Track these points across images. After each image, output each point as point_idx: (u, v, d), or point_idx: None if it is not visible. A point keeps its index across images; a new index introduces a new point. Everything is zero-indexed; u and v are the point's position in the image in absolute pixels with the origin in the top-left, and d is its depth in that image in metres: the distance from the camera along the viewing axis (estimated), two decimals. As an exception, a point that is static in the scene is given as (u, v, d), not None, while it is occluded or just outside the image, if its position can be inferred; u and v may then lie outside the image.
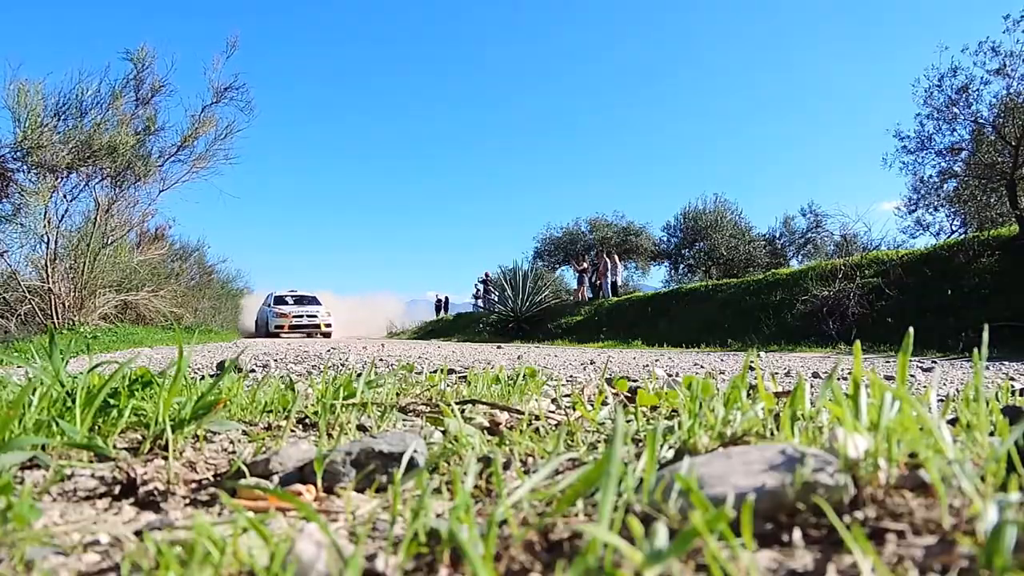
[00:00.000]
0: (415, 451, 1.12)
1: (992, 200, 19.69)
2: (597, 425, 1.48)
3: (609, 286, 26.56)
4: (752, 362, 1.25)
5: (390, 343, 18.28)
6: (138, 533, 0.86)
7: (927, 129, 20.62)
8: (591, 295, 27.06)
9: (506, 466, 1.21)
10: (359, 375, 2.35)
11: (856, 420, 0.88)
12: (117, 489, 1.06)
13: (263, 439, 1.49)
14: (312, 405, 1.84)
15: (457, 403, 1.80)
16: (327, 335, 26.02)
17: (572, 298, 27.95)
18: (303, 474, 1.14)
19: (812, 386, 1.14)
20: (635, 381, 3.94)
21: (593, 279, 27.24)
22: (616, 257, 27.91)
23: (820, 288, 16.77)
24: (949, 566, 0.60)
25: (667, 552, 0.57)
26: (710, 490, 0.75)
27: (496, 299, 27.31)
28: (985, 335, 1.04)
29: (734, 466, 0.80)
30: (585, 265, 28.04)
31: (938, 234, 22.63)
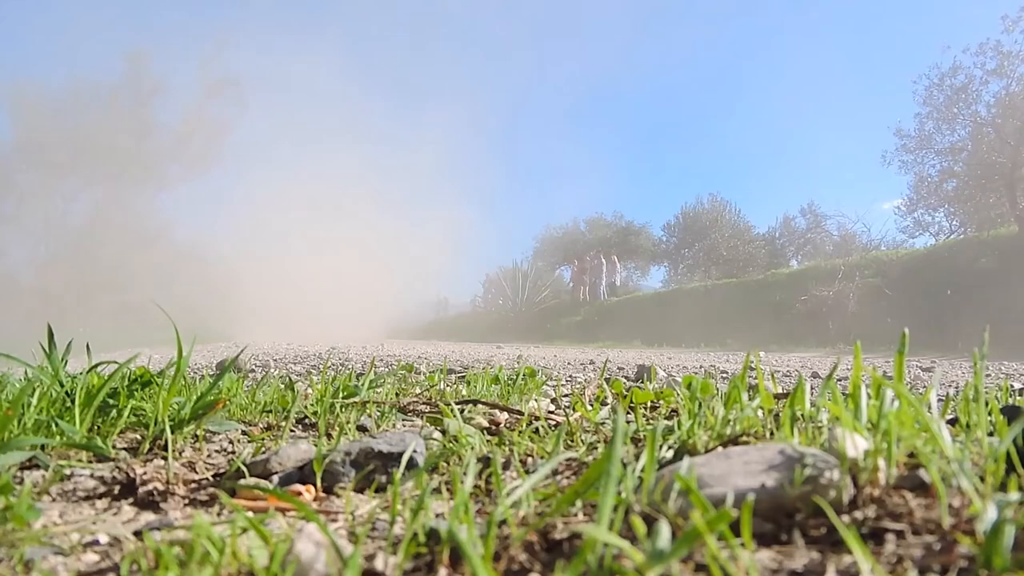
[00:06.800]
0: (414, 451, 1.12)
1: (991, 200, 19.71)
2: (597, 425, 1.48)
3: (605, 286, 26.53)
4: (752, 362, 1.25)
5: (390, 343, 18.29)
6: (137, 533, 0.86)
7: (927, 128, 20.67)
8: (592, 295, 27.04)
9: (506, 466, 1.21)
10: (359, 375, 2.35)
11: (856, 420, 0.88)
12: (116, 489, 1.06)
13: (262, 439, 1.49)
14: (312, 405, 1.84)
15: (457, 403, 1.80)
16: None
17: (571, 298, 27.92)
18: (303, 474, 1.14)
19: (812, 386, 1.14)
20: (634, 381, 3.95)
21: (590, 279, 27.20)
22: (615, 257, 27.89)
23: (820, 288, 16.78)
24: (948, 566, 0.60)
25: (669, 553, 0.57)
26: (710, 490, 0.75)
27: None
28: (986, 335, 1.04)
29: (734, 466, 0.80)
30: (584, 265, 28.01)
31: (937, 234, 22.70)
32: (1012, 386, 3.56)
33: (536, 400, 2.15)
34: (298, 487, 1.07)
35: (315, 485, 1.08)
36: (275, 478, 1.13)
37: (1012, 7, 19.26)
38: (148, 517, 0.95)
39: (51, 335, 1.56)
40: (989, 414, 1.17)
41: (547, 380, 2.97)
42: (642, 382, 3.06)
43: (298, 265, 35.32)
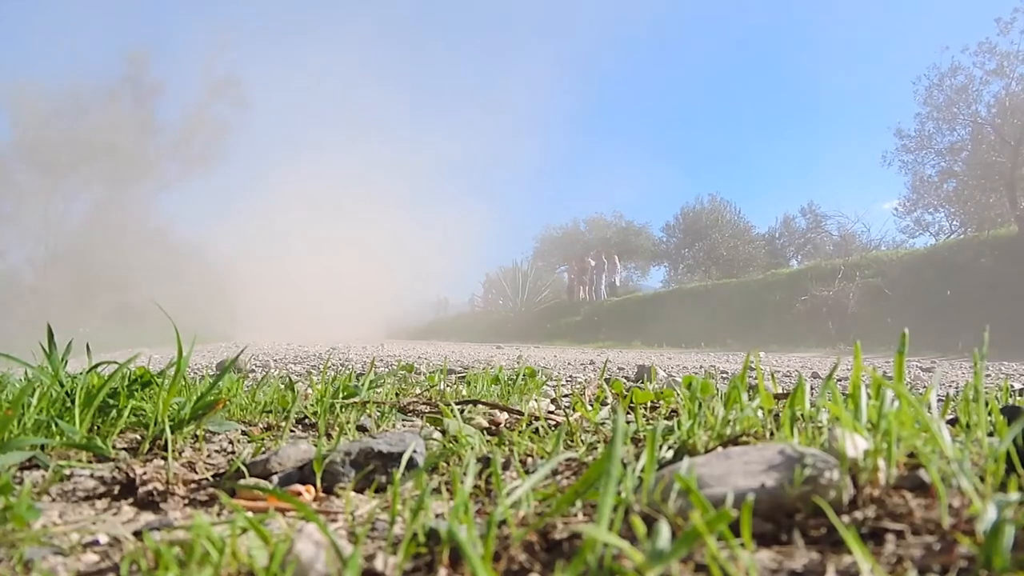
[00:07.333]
0: (414, 451, 1.12)
1: (991, 200, 19.70)
2: (597, 425, 1.48)
3: (605, 286, 26.53)
4: (752, 362, 1.25)
5: (389, 343, 18.29)
6: (137, 533, 0.86)
7: (927, 128, 20.68)
8: (593, 295, 27.03)
9: (505, 466, 1.21)
10: (359, 375, 2.35)
11: (856, 420, 0.88)
12: (116, 489, 1.06)
13: (262, 439, 1.49)
14: (312, 405, 1.84)
15: (457, 403, 1.80)
16: None
17: (569, 299, 27.91)
18: (303, 474, 1.14)
19: (812, 386, 1.14)
20: (634, 382, 3.94)
21: (590, 279, 27.17)
22: (616, 257, 27.89)
23: (820, 288, 16.77)
24: (948, 566, 0.60)
25: (669, 553, 0.57)
26: (710, 490, 0.75)
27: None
28: (985, 335, 1.04)
29: (734, 466, 0.80)
30: (584, 266, 27.98)
31: (937, 234, 22.70)
32: (1012, 386, 3.56)
33: (536, 400, 2.15)
34: (298, 487, 1.07)
35: (315, 485, 1.08)
36: (275, 478, 1.13)
37: (1007, 8, 19.29)
38: (148, 517, 0.95)
39: (51, 335, 1.56)
40: (989, 414, 1.17)
41: (547, 380, 2.97)
42: (642, 382, 3.06)
43: (298, 265, 35.36)
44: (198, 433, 1.42)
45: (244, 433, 1.58)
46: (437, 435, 1.50)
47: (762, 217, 62.73)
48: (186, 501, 1.02)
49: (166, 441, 1.23)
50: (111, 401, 1.41)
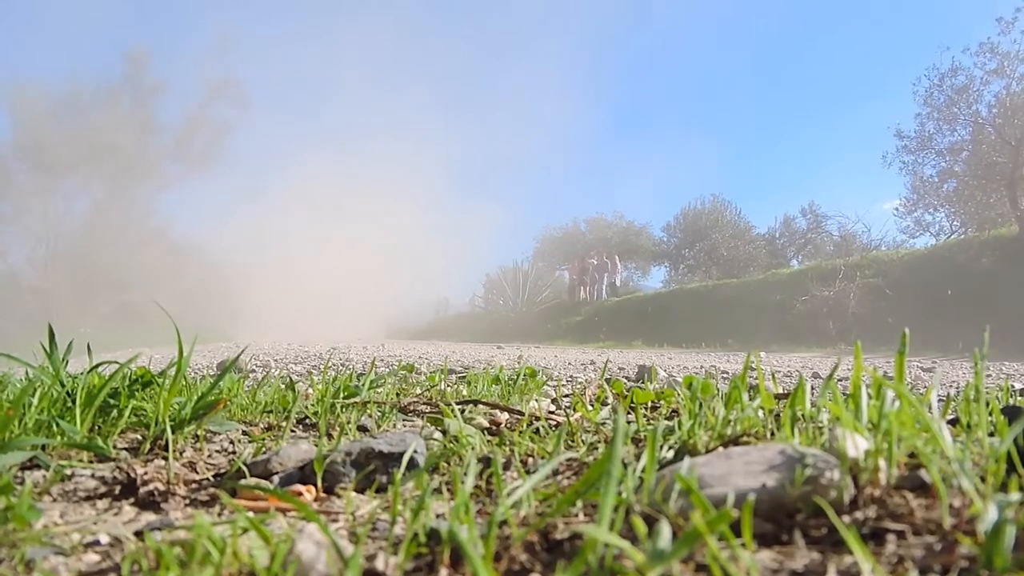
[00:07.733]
0: (415, 451, 1.12)
1: (992, 200, 19.68)
2: (597, 425, 1.48)
3: (606, 287, 26.53)
4: (752, 362, 1.25)
5: (390, 343, 18.29)
6: (138, 533, 0.86)
7: (927, 129, 20.66)
8: (593, 296, 27.02)
9: (506, 466, 1.21)
10: (359, 375, 2.35)
11: (856, 420, 0.88)
12: (117, 489, 1.06)
13: (263, 439, 1.49)
14: (312, 405, 1.84)
15: (457, 403, 1.80)
16: None
17: (569, 299, 27.90)
18: (303, 474, 1.14)
19: (812, 386, 1.14)
20: (635, 382, 3.94)
21: (591, 279, 27.14)
22: (616, 257, 27.88)
23: (820, 288, 16.77)
24: (949, 566, 0.60)
25: (670, 553, 0.57)
26: (710, 490, 0.75)
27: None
28: (986, 335, 1.04)
29: (734, 466, 0.80)
30: (585, 266, 27.96)
31: (938, 234, 22.68)
32: (1013, 386, 3.55)
33: (537, 400, 2.15)
34: (299, 487, 1.07)
35: (316, 485, 1.08)
36: (276, 478, 1.13)
37: (1007, 8, 19.29)
38: (149, 517, 0.95)
39: (52, 335, 1.56)
40: (990, 414, 1.17)
41: (548, 380, 2.97)
42: (643, 382, 3.06)
43: (299, 265, 35.42)
44: (199, 433, 1.42)
45: (245, 433, 1.58)
46: (438, 435, 1.50)
47: (762, 217, 63.03)
48: (187, 501, 1.02)
49: (167, 441, 1.23)
50: (112, 401, 1.41)
